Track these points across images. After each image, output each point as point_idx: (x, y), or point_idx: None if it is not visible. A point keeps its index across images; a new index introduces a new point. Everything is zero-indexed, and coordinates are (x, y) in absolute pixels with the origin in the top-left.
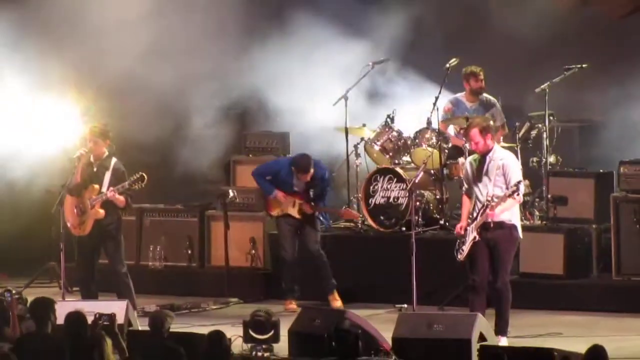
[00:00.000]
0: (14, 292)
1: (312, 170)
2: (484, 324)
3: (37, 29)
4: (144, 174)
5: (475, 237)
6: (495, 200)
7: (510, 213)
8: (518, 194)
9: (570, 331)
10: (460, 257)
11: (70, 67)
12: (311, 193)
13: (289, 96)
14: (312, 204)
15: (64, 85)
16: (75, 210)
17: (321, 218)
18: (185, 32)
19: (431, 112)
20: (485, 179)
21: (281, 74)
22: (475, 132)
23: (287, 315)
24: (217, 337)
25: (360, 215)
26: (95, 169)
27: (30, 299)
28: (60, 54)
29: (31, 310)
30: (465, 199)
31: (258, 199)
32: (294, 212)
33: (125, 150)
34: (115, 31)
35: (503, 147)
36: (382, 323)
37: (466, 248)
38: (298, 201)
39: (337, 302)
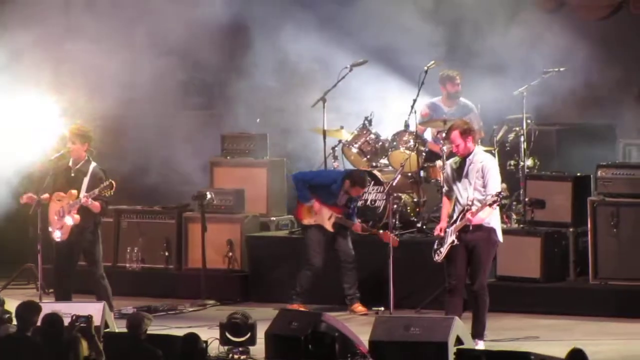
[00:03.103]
0: None
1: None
2: (461, 327)
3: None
4: (112, 182)
5: (453, 241)
6: (477, 204)
7: (489, 217)
8: (498, 204)
9: (547, 335)
10: (438, 258)
11: (48, 68)
12: (350, 208)
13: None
14: (351, 221)
15: (42, 86)
16: (56, 216)
17: None
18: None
19: (409, 115)
20: (465, 181)
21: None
22: (456, 134)
23: (263, 317)
24: (193, 339)
25: (399, 239)
26: (73, 174)
27: (7, 300)
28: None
29: (17, 312)
30: (445, 200)
31: (236, 200)
32: (328, 225)
33: (103, 152)
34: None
35: None
36: (359, 326)
37: (444, 250)
38: (335, 215)
39: (360, 310)
